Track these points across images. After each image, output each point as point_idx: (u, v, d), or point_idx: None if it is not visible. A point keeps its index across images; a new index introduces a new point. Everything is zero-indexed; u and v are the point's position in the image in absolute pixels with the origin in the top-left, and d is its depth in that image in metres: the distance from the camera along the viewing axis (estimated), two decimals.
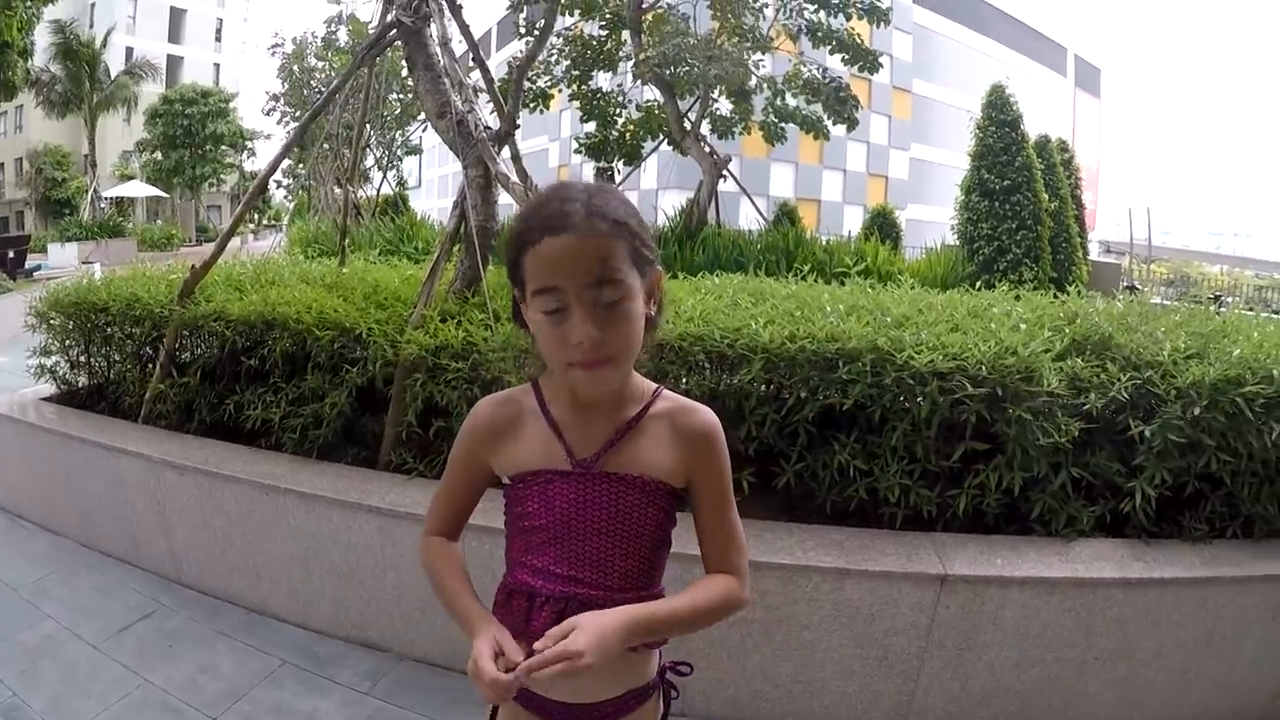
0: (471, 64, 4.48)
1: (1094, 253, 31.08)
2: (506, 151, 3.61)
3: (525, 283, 1.24)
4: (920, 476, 2.81)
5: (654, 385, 1.39)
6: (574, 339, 1.18)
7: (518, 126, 3.80)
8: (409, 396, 3.28)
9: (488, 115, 4.03)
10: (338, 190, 22.14)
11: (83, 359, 4.75)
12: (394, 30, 3.77)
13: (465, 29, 3.87)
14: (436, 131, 3.65)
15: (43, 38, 15.15)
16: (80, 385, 4.76)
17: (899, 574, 2.53)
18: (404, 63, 4.29)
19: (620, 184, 15.86)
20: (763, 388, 2.86)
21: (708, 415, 1.38)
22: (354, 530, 3.13)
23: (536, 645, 1.19)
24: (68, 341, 4.69)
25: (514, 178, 3.26)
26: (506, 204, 3.69)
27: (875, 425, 2.83)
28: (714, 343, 2.89)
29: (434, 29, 3.68)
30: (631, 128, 14.81)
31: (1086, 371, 2.85)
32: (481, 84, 4.43)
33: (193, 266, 4.14)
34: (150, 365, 4.41)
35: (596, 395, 1.29)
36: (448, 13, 3.78)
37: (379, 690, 2.96)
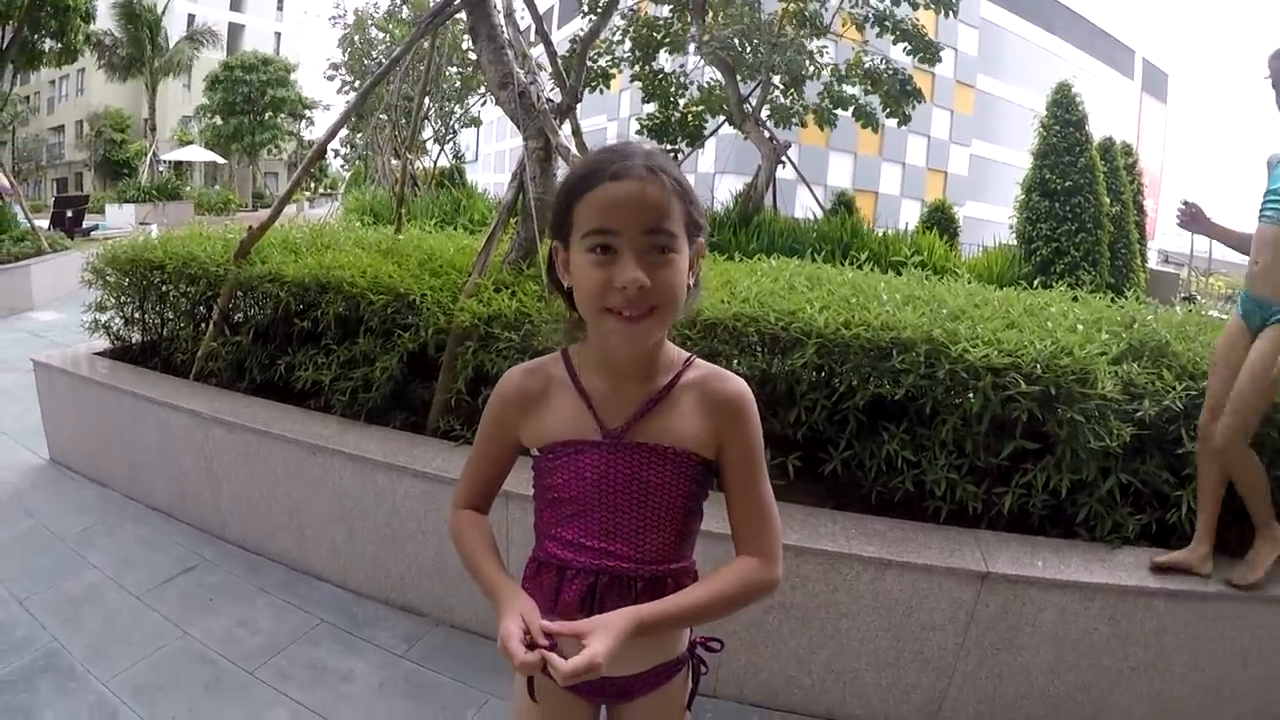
0: (535, 36, 4.46)
1: (1153, 261, 30.46)
2: (567, 126, 3.60)
3: (573, 228, 1.22)
4: (968, 472, 2.79)
5: (686, 354, 1.36)
6: (620, 281, 1.16)
7: (580, 100, 3.79)
8: (460, 364, 3.31)
9: (549, 89, 4.04)
10: (394, 161, 22.30)
11: (137, 315, 4.85)
12: (458, 0, 3.78)
13: (529, 1, 3.87)
14: (498, 102, 3.65)
15: (102, 2, 15.38)
16: (134, 341, 4.85)
17: (940, 568, 2.51)
18: (465, 35, 4.28)
19: (680, 165, 15.80)
20: (814, 373, 2.84)
21: (738, 384, 1.34)
22: (399, 494, 3.17)
23: (552, 628, 1.18)
24: (122, 298, 4.79)
25: (575, 151, 3.26)
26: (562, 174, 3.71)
27: (925, 417, 2.82)
28: (768, 325, 2.88)
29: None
30: (694, 109, 14.71)
31: (1142, 378, 2.81)
32: (544, 57, 4.43)
33: (249, 227, 4.20)
34: (203, 324, 4.49)
35: (630, 350, 1.26)
36: None
37: (414, 653, 3.00)
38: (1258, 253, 2.64)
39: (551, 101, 3.42)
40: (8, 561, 3.59)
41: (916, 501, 2.84)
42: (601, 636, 1.15)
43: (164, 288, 4.61)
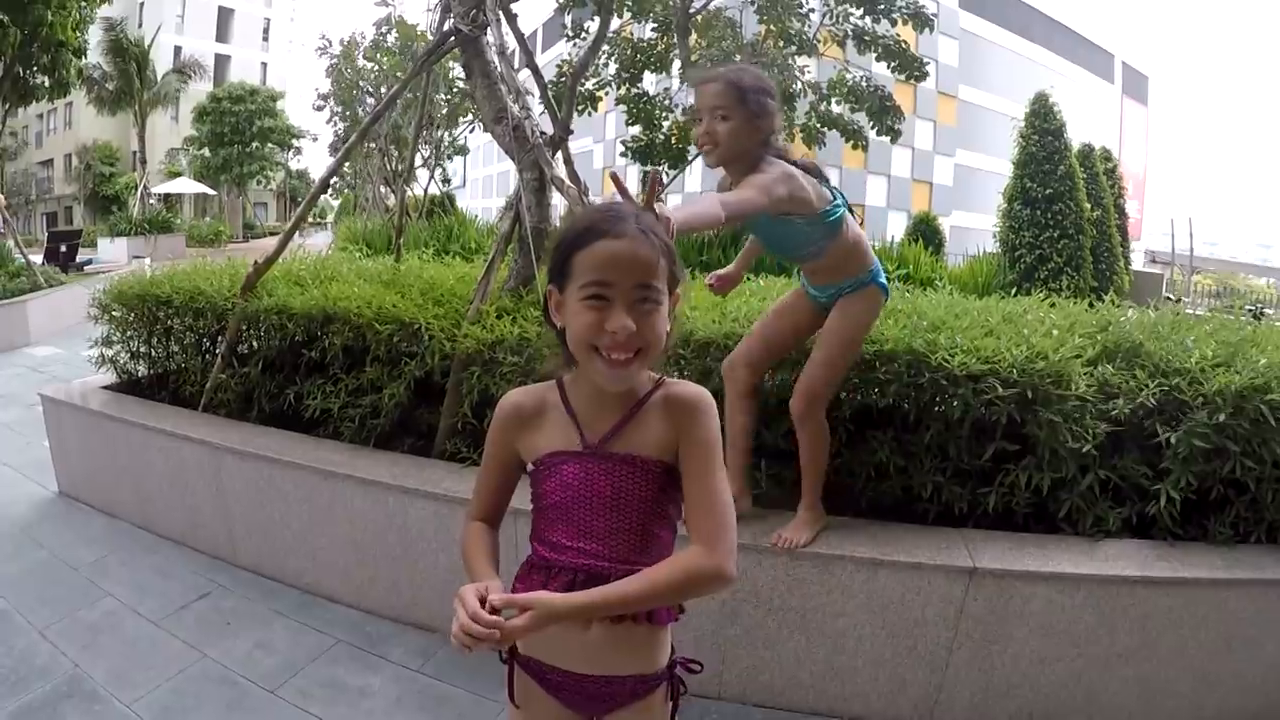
0: (525, 68, 4.59)
1: (1139, 262, 30.69)
2: (560, 156, 3.75)
3: (571, 277, 1.38)
4: (953, 475, 2.92)
5: (659, 376, 1.51)
6: (611, 327, 1.33)
7: (571, 133, 3.94)
8: (465, 389, 3.42)
9: (539, 111, 4.17)
10: (385, 189, 22.48)
11: (143, 349, 4.92)
12: (452, 38, 3.93)
13: (520, 38, 4.02)
14: (493, 136, 3.79)
15: (93, 36, 15.52)
16: (140, 375, 4.93)
17: (930, 565, 2.63)
18: (458, 67, 4.43)
19: (666, 187, 15.96)
20: None
21: (695, 389, 1.49)
22: (410, 515, 3.27)
23: (494, 600, 1.29)
24: (128, 332, 4.87)
25: (568, 182, 3.40)
26: (556, 204, 3.84)
27: (911, 424, 2.94)
28: None
29: (491, 37, 3.82)
30: (678, 131, 14.86)
31: (1116, 378, 2.92)
32: (535, 89, 4.57)
33: (255, 263, 4.31)
34: (209, 356, 4.58)
35: (613, 388, 1.42)
36: (504, 22, 3.93)
37: (429, 668, 3.07)
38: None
39: (544, 134, 3.56)
40: (24, 591, 3.67)
41: (906, 505, 2.96)
42: (541, 601, 1.29)
43: (170, 322, 4.71)
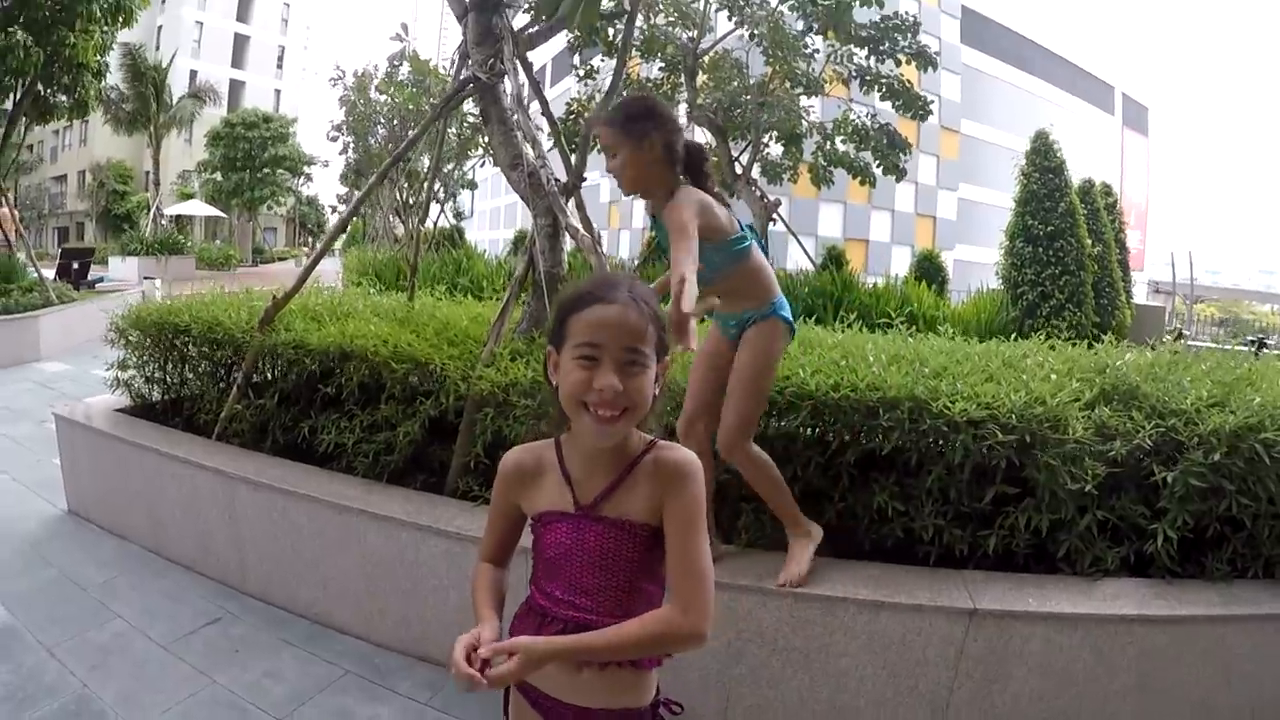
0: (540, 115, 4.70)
1: (1143, 294, 30.74)
2: (573, 203, 3.85)
3: (566, 338, 1.49)
4: (953, 517, 2.98)
5: (650, 438, 1.59)
6: (598, 384, 1.44)
7: (584, 180, 4.04)
8: (479, 429, 3.49)
9: (548, 146, 4.27)
10: (394, 219, 22.68)
11: (158, 375, 5.00)
12: (470, 85, 4.05)
13: (536, 86, 4.13)
14: (509, 181, 3.88)
15: (112, 59, 15.75)
16: (154, 399, 5.00)
17: (930, 607, 2.69)
18: (468, 103, 4.55)
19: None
20: (808, 432, 3.05)
21: (684, 454, 1.55)
22: (422, 551, 3.32)
23: (482, 652, 1.40)
24: (144, 358, 4.94)
25: (581, 229, 3.50)
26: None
27: (912, 468, 3.01)
28: None
29: (507, 85, 3.94)
30: None
31: (1113, 420, 2.98)
32: (547, 132, 4.67)
33: (273, 297, 4.41)
34: (224, 385, 4.65)
35: (601, 444, 1.51)
36: (520, 71, 4.05)
37: (437, 701, 3.10)
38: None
39: (558, 181, 3.67)
40: (33, 609, 3.71)
41: (907, 547, 3.02)
42: (523, 646, 1.40)
43: (187, 350, 4.79)
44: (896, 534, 3.02)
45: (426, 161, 14.60)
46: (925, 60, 12.54)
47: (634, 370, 1.47)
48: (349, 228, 26.96)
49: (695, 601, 1.47)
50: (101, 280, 19.60)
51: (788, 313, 2.91)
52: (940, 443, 2.91)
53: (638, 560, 1.54)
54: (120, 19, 12.96)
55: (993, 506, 2.97)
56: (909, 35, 12.67)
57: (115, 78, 26.73)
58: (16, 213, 14.08)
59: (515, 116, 3.87)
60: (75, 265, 17.57)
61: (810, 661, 2.81)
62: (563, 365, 1.50)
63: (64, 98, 13.55)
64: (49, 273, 13.92)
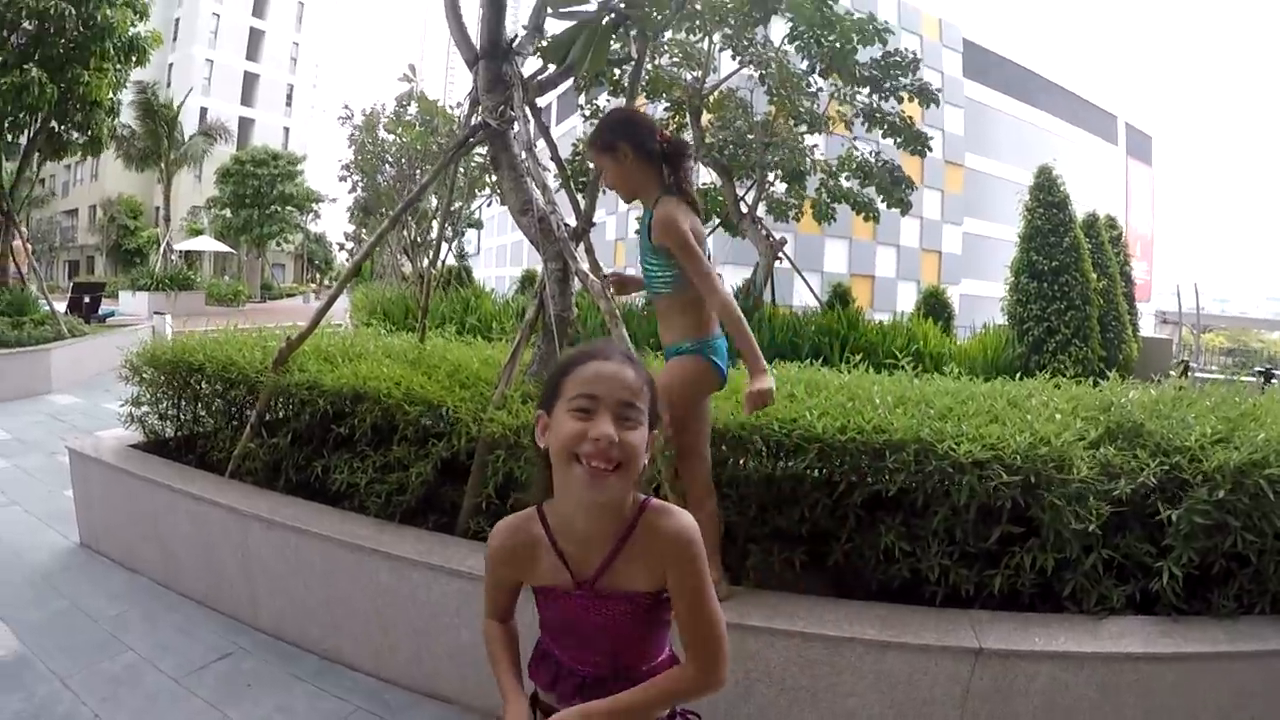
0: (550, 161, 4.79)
1: (1151, 325, 30.70)
2: (583, 247, 3.92)
3: (560, 395, 1.52)
4: (960, 557, 3.00)
5: (642, 497, 1.60)
6: (594, 434, 1.45)
7: (594, 225, 4.12)
8: (490, 471, 3.52)
9: (553, 179, 4.35)
10: (401, 258, 22.87)
11: (172, 412, 5.05)
12: (480, 131, 4.14)
13: (545, 131, 4.23)
14: (519, 226, 3.94)
15: (124, 96, 16.05)
16: (168, 436, 5.05)
17: (936, 647, 2.71)
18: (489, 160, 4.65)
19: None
20: (816, 473, 3.09)
21: (680, 520, 1.56)
22: (434, 590, 3.35)
23: None
24: (158, 395, 5.00)
25: (591, 274, 3.56)
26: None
27: (919, 509, 3.04)
28: (772, 432, 3.12)
29: (518, 131, 4.03)
30: None
31: (1118, 459, 3.02)
32: (554, 173, 4.75)
33: (287, 337, 4.46)
34: (238, 423, 4.70)
35: (592, 498, 1.49)
36: (530, 117, 4.14)
37: None
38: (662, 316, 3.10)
39: (568, 226, 3.74)
40: (45, 639, 3.74)
41: (914, 587, 3.05)
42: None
43: (201, 388, 4.85)
44: (903, 574, 3.04)
45: (434, 201, 14.74)
46: (927, 97, 12.68)
47: (629, 425, 1.48)
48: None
49: (716, 660, 1.54)
50: (112, 314, 19.82)
51: (720, 359, 2.99)
52: (946, 484, 2.95)
53: (642, 623, 1.59)
54: (134, 58, 13.23)
55: (998, 546, 2.99)
56: (910, 73, 12.81)
57: (127, 115, 27.13)
58: (29, 246, 14.25)
59: (525, 162, 3.94)
60: (86, 299, 17.74)
61: (818, 701, 2.83)
62: (555, 421, 1.51)
63: (78, 135, 13.79)
64: (60, 306, 14.05)
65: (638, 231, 3.13)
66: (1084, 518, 2.85)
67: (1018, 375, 4.34)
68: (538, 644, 1.70)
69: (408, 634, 3.46)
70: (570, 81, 4.38)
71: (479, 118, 4.13)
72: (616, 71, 11.82)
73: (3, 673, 3.46)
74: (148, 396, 5.03)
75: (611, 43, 4.21)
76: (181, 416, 5.08)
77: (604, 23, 3.94)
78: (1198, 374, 13.10)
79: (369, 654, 3.61)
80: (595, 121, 13.82)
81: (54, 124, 13.26)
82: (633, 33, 4.48)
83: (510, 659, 1.72)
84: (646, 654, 1.62)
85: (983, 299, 27.70)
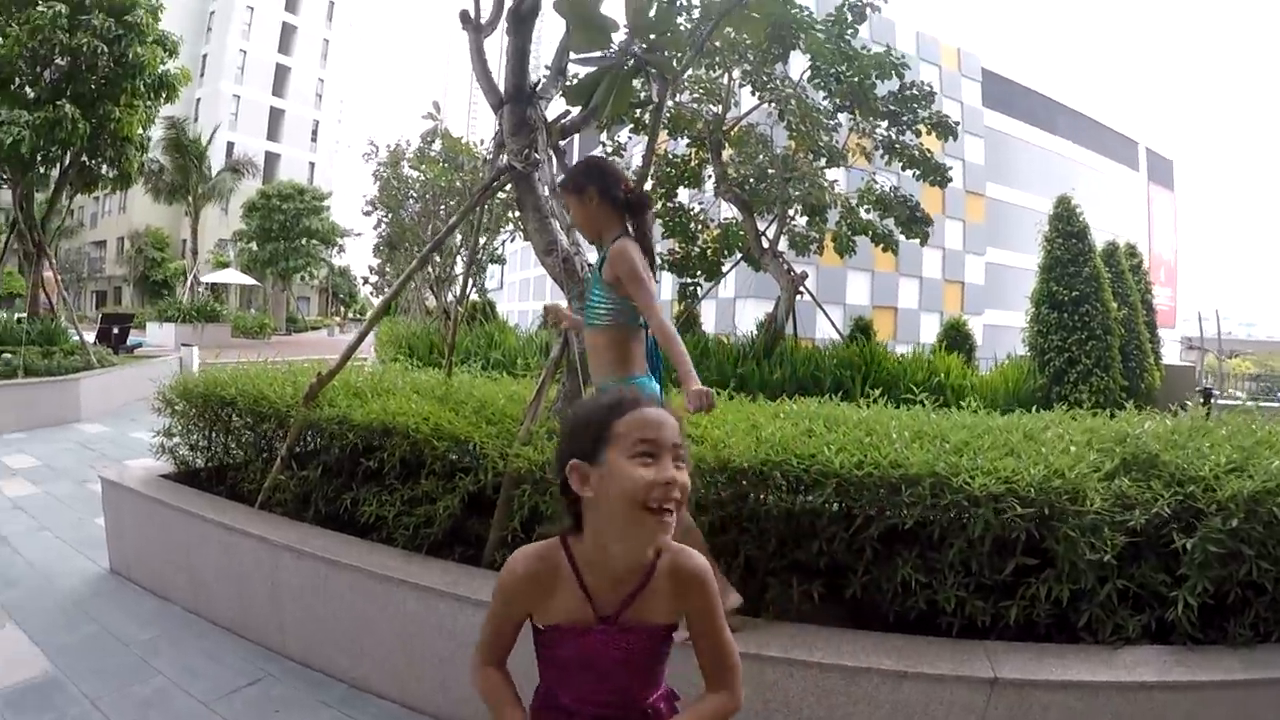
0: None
1: (1176, 352, 30.37)
2: None
3: (612, 443, 1.54)
4: (975, 589, 3.04)
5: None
6: (664, 478, 1.51)
7: None
8: (516, 505, 3.60)
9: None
10: (425, 292, 23.10)
11: (202, 443, 5.19)
12: (505, 174, 4.26)
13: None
14: (544, 267, 4.04)
15: (154, 131, 16.42)
16: (199, 467, 5.17)
17: (951, 677, 2.76)
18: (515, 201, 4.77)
19: (702, 297, 16.33)
20: (834, 507, 3.14)
21: (696, 561, 1.66)
22: (460, 621, 3.42)
23: None
24: (189, 426, 5.14)
25: None
26: None
27: (935, 542, 3.09)
28: (790, 467, 3.18)
29: (543, 173, 4.14)
30: (713, 245, 15.23)
31: (1133, 490, 3.05)
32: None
33: (318, 373, 4.58)
34: (267, 455, 4.81)
35: (655, 543, 1.59)
36: (554, 160, 4.26)
37: None
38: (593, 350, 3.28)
39: (590, 266, 3.84)
40: (76, 662, 3.83)
41: (930, 619, 3.09)
42: None
43: (232, 421, 4.97)
44: (920, 605, 3.09)
45: (458, 237, 14.96)
46: (945, 130, 12.74)
47: (680, 465, 1.56)
48: (381, 299, 27.54)
49: (738, 681, 1.67)
50: (140, 345, 20.16)
51: (653, 388, 3.14)
52: (961, 517, 3.00)
53: (656, 655, 1.69)
54: (163, 94, 13.56)
55: (1014, 577, 3.03)
56: (927, 105, 12.88)
57: (156, 151, 27.68)
58: (59, 279, 14.57)
59: (549, 203, 4.06)
60: (115, 330, 18.07)
61: None
62: (615, 470, 1.52)
63: (109, 169, 14.11)
64: (89, 336, 14.31)
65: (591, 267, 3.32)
66: (1099, 548, 2.89)
67: (1036, 408, 4.36)
68: (537, 692, 1.73)
69: (433, 663, 3.52)
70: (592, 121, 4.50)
71: (504, 160, 4.24)
72: (637, 112, 11.97)
73: (35, 694, 3.56)
74: (179, 428, 5.18)
75: (634, 84, 4.33)
76: (212, 448, 5.21)
77: (626, 68, 4.07)
78: (1219, 401, 12.99)
79: (395, 682, 3.68)
80: (618, 160, 14.08)
81: (85, 158, 13.59)
82: (652, 73, 4.58)
83: (516, 700, 1.70)
84: (654, 686, 1.70)
85: (1006, 329, 27.54)
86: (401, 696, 3.65)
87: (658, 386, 3.23)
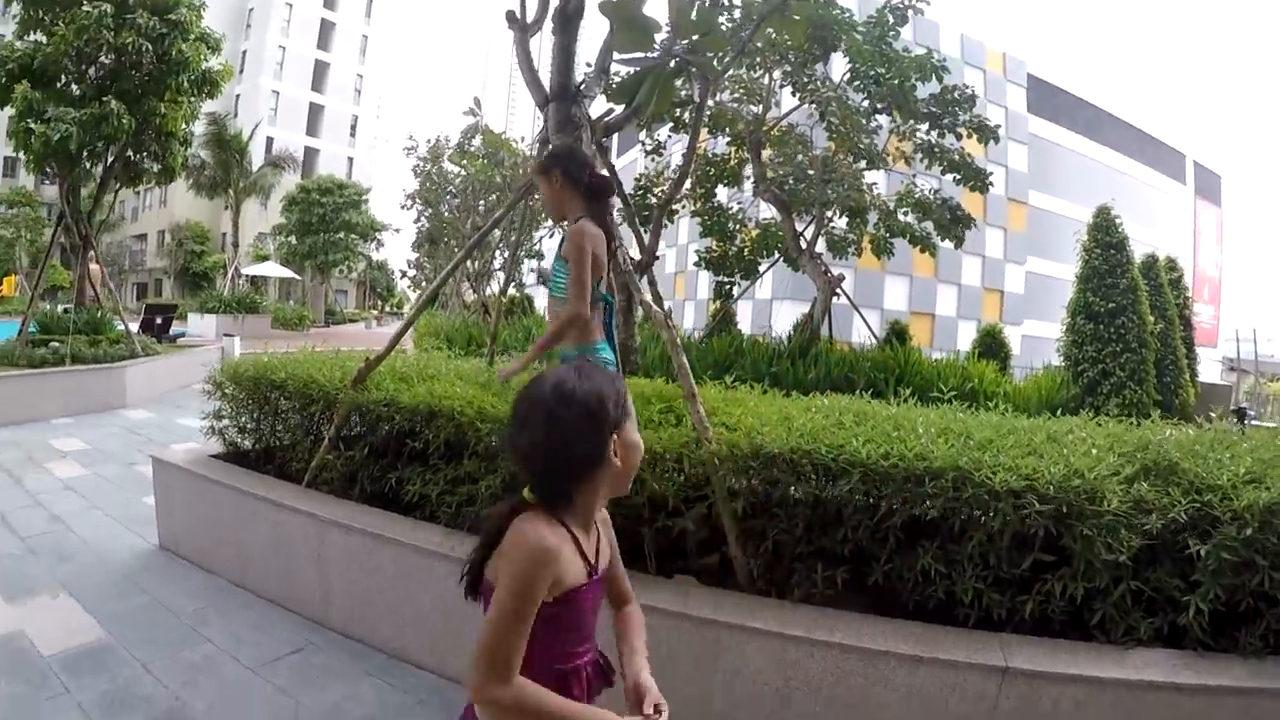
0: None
1: (1217, 372, 29.78)
2: (646, 280, 4.12)
3: (626, 416, 1.75)
4: (993, 582, 3.15)
5: None
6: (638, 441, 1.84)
7: (657, 258, 4.35)
8: None
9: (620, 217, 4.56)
10: (465, 286, 23.36)
11: (250, 425, 5.39)
12: None
13: (611, 169, 4.46)
14: None
15: (196, 127, 16.74)
16: (247, 448, 5.39)
17: (965, 664, 2.88)
18: None
19: (739, 296, 16.41)
20: (859, 497, 3.24)
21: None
22: None
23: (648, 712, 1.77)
24: (238, 408, 5.35)
25: (654, 305, 3.76)
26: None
27: (955, 534, 3.19)
28: (819, 457, 3.29)
29: None
30: (751, 243, 15.25)
31: (1151, 494, 3.12)
32: (619, 208, 4.98)
33: (366, 359, 4.77)
34: (314, 437, 5.01)
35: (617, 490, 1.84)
36: (597, 156, 4.38)
37: None
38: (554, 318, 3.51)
39: (632, 259, 3.97)
40: (128, 630, 4.05)
41: (948, 609, 3.20)
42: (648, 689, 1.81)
43: (281, 403, 5.16)
44: (938, 595, 3.20)
45: (498, 232, 15.12)
46: (986, 133, 12.64)
47: None
48: (419, 293, 27.95)
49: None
50: (182, 335, 20.54)
51: (609, 355, 3.37)
52: (982, 511, 3.10)
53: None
54: (206, 90, 13.86)
55: (1031, 573, 3.12)
56: (968, 109, 12.81)
57: (198, 145, 28.16)
58: (103, 271, 14.97)
59: None
60: (158, 320, 18.42)
61: (854, 710, 3.00)
62: (625, 436, 1.74)
63: (153, 164, 14.45)
64: (133, 326, 14.67)
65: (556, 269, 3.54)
66: (1115, 549, 2.96)
67: (1064, 415, 4.41)
68: (544, 677, 1.66)
69: (470, 636, 3.66)
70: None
71: None
72: (678, 110, 12.07)
73: (89, 658, 3.77)
74: (229, 410, 5.39)
75: (675, 84, 4.44)
76: (260, 430, 5.41)
77: (668, 68, 4.20)
78: (1255, 422, 12.80)
79: (434, 653, 3.86)
80: (658, 158, 14.16)
81: (130, 153, 13.90)
82: (694, 72, 4.68)
83: (562, 696, 1.66)
84: None
85: (1045, 340, 27.18)
86: (440, 667, 3.82)
87: (613, 355, 3.44)
